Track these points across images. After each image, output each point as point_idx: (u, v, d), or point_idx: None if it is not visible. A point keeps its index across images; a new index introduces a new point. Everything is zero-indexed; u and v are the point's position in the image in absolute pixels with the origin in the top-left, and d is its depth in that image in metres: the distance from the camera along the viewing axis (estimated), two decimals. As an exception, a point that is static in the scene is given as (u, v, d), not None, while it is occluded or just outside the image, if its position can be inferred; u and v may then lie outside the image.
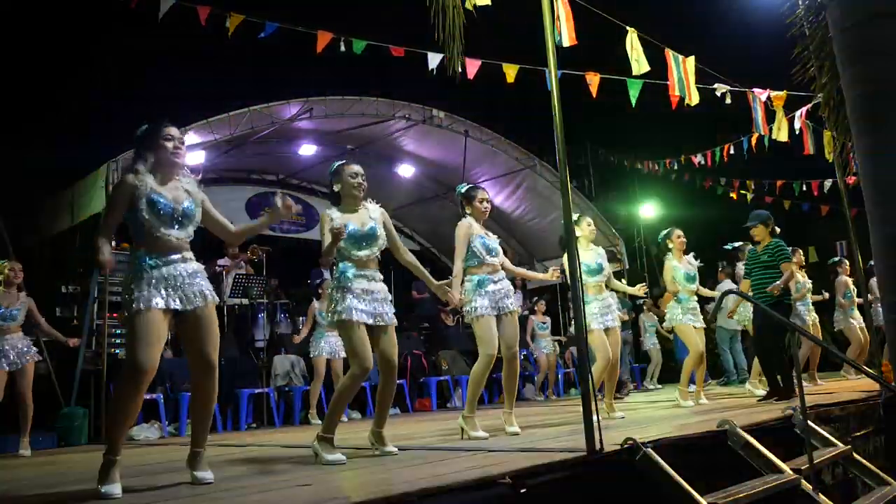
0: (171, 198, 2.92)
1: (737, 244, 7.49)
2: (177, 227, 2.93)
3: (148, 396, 6.83)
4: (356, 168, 3.64)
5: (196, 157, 9.02)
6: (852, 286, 8.02)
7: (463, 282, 4.25)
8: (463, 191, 4.42)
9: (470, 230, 4.23)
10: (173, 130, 3.01)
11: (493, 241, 4.34)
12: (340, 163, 3.68)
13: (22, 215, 9.09)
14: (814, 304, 7.76)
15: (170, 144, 2.97)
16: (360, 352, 3.36)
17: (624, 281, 10.18)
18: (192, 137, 8.63)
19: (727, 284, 8.58)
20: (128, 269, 2.91)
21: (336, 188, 3.61)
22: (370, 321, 3.43)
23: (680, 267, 6.05)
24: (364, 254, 3.52)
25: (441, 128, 10.43)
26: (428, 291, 10.30)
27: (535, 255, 13.08)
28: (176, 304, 2.83)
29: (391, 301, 3.62)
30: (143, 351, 2.72)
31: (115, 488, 2.63)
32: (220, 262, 9.26)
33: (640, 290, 5.80)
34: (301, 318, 9.31)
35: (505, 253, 4.59)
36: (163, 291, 2.81)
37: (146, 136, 2.99)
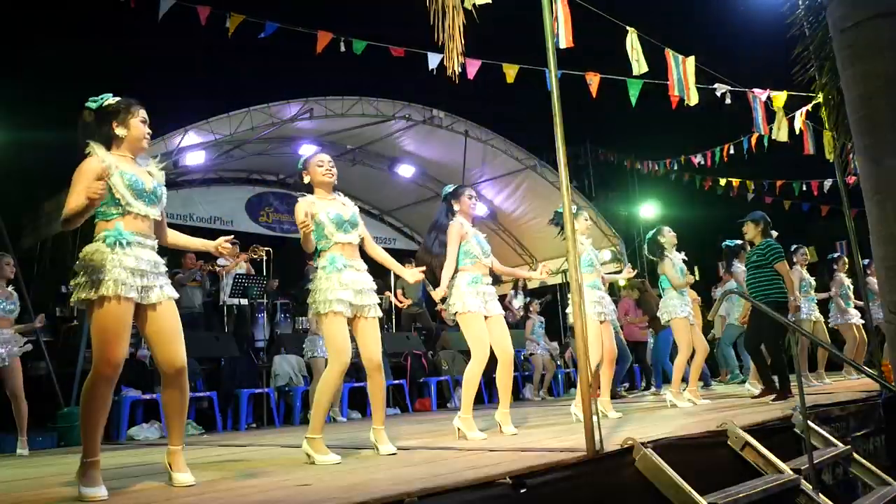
0: (138, 176, 2.84)
1: (737, 242, 7.49)
2: (149, 204, 2.82)
3: (148, 396, 6.85)
4: (322, 156, 3.64)
5: (196, 157, 9.04)
6: (848, 283, 8.00)
7: (454, 278, 4.23)
8: (450, 189, 4.43)
9: (462, 229, 4.23)
10: (145, 113, 2.90)
11: (485, 240, 4.35)
12: (306, 156, 3.68)
13: (22, 215, 9.09)
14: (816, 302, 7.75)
15: (144, 129, 2.89)
16: (339, 346, 3.35)
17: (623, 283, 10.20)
18: (192, 137, 8.65)
19: (731, 286, 8.56)
20: (96, 243, 2.72)
21: (306, 180, 3.62)
22: (349, 314, 3.41)
23: (677, 261, 6.05)
24: (349, 239, 3.52)
25: (441, 128, 10.45)
26: (415, 299, 10.34)
27: (535, 255, 13.08)
28: (139, 296, 2.71)
29: (375, 292, 3.59)
30: (117, 344, 2.62)
31: (101, 490, 2.56)
32: (220, 262, 9.26)
33: (627, 273, 5.75)
34: (302, 318, 9.32)
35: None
36: (130, 278, 2.67)
37: (119, 111, 2.86)
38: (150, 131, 2.93)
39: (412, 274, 3.80)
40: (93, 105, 2.88)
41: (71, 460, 2.70)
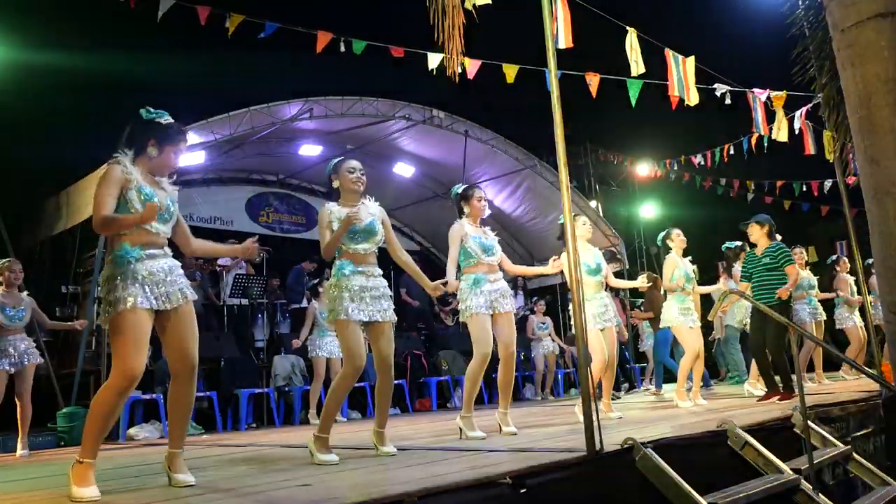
0: (155, 194, 2.87)
1: (736, 243, 7.49)
2: (162, 222, 2.87)
3: (147, 396, 6.85)
4: (354, 163, 3.63)
5: (196, 157, 9.04)
6: (853, 284, 8.02)
7: (459, 280, 4.24)
8: (460, 191, 4.42)
9: (462, 231, 4.24)
10: (185, 147, 2.99)
11: (491, 239, 4.34)
12: (338, 159, 3.69)
13: (22, 215, 9.09)
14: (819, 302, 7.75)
15: (175, 161, 2.96)
16: (354, 350, 3.35)
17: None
18: (192, 137, 8.63)
19: (730, 285, 8.54)
20: (108, 264, 2.78)
21: (335, 184, 3.61)
22: (366, 318, 3.42)
23: (682, 265, 6.07)
24: (361, 248, 3.51)
25: (441, 128, 10.44)
26: (420, 299, 10.33)
27: (535, 256, 13.08)
28: (159, 304, 2.76)
29: (390, 297, 3.60)
30: (135, 356, 2.65)
31: (93, 490, 2.58)
32: (220, 261, 9.26)
33: (642, 280, 5.77)
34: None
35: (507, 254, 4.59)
36: (146, 289, 2.73)
37: (166, 131, 2.91)
38: (178, 163, 2.98)
39: (434, 287, 3.85)
40: (145, 115, 2.93)
41: (71, 460, 2.70)
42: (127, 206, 2.79)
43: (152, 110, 2.94)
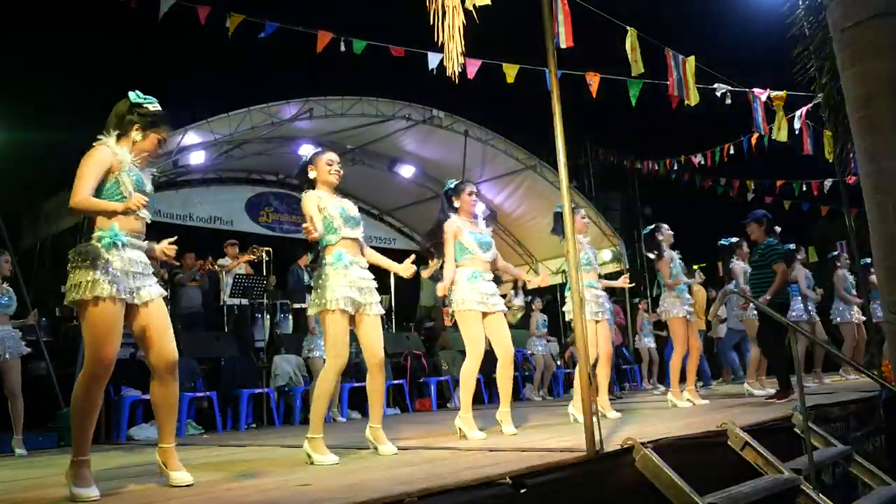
0: (142, 177, 2.86)
1: (732, 240, 7.50)
2: (146, 209, 2.82)
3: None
4: (333, 156, 3.65)
5: (196, 157, 9.04)
6: (851, 279, 8.01)
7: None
8: (452, 185, 4.41)
9: (455, 226, 4.23)
10: (167, 136, 2.97)
11: (486, 235, 4.33)
12: (316, 150, 3.69)
13: (22, 215, 9.09)
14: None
15: (156, 149, 2.94)
16: (340, 344, 3.33)
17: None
18: (192, 137, 8.65)
19: (729, 286, 8.54)
20: (90, 242, 2.74)
21: (312, 175, 3.60)
22: (352, 311, 3.41)
23: (675, 259, 6.04)
24: (355, 234, 3.54)
25: (441, 128, 10.44)
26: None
27: (536, 255, 13.08)
28: (130, 297, 2.72)
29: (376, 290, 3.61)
30: (106, 343, 2.62)
31: (93, 490, 2.56)
32: (220, 261, 9.26)
33: (623, 281, 5.79)
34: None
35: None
36: (120, 281, 2.67)
37: (153, 118, 2.87)
38: (161, 152, 2.96)
39: (405, 268, 3.75)
40: (133, 98, 2.90)
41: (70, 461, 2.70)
42: (119, 188, 2.76)
43: (141, 95, 2.91)
